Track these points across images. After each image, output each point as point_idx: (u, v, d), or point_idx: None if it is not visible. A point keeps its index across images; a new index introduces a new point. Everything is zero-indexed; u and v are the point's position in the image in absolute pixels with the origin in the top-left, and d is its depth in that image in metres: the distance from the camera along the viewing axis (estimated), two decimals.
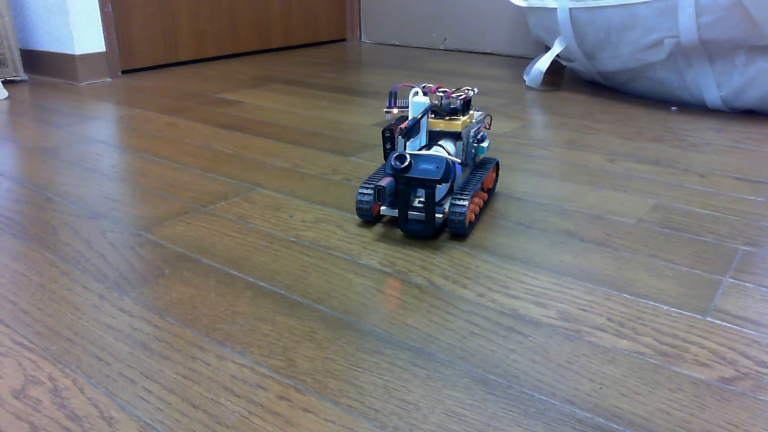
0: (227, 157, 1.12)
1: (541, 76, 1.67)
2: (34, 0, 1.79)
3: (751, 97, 1.37)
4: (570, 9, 1.53)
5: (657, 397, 0.51)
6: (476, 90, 0.87)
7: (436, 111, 0.83)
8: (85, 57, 1.77)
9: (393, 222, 0.84)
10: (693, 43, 1.33)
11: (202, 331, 0.60)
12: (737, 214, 0.87)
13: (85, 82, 1.78)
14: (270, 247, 0.77)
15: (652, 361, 0.56)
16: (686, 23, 1.32)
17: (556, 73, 1.93)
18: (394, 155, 0.74)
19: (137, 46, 1.94)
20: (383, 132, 0.82)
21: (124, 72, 1.92)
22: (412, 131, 0.80)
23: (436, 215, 0.78)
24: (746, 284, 0.69)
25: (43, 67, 1.85)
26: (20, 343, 0.58)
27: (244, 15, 2.24)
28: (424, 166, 0.74)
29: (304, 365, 0.55)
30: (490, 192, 0.94)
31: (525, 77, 1.77)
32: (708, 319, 0.62)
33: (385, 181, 0.75)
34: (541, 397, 0.51)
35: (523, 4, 1.72)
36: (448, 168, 0.74)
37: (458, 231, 0.78)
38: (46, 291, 0.67)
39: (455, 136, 0.83)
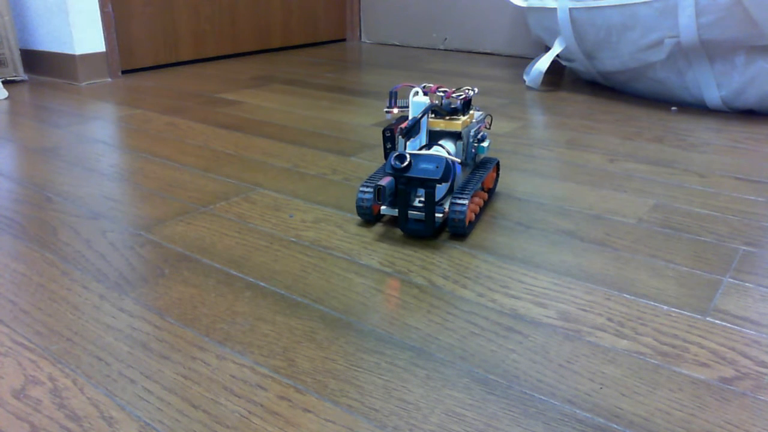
0: (227, 157, 1.12)
1: (541, 76, 1.67)
2: (34, 0, 1.79)
3: (751, 97, 1.37)
4: (570, 9, 1.53)
5: (657, 397, 0.51)
6: (476, 90, 0.87)
7: (437, 111, 0.83)
8: (85, 57, 1.77)
9: (393, 222, 0.84)
10: (693, 43, 1.33)
11: (202, 331, 0.60)
12: (737, 214, 0.87)
13: (85, 82, 1.78)
14: (270, 247, 0.77)
15: (652, 361, 0.56)
16: (686, 23, 1.32)
17: (556, 73, 1.93)
18: (394, 155, 0.74)
19: (137, 46, 1.94)
20: (383, 132, 0.82)
21: (124, 72, 1.92)
22: (412, 131, 0.80)
23: (436, 215, 0.79)
24: (746, 284, 0.69)
25: (43, 67, 1.85)
26: (20, 343, 0.58)
27: (244, 15, 2.24)
28: (423, 165, 0.74)
29: (304, 365, 0.55)
30: (491, 192, 0.94)
31: (525, 77, 1.77)
32: (708, 319, 0.62)
33: (385, 181, 0.75)
34: (541, 397, 0.51)
35: (523, 4, 1.72)
36: (448, 167, 0.74)
37: (458, 231, 0.78)
38: (46, 291, 0.67)
39: (455, 136, 0.84)
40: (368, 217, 0.84)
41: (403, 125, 0.81)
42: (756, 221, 0.85)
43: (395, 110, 0.85)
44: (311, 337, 0.59)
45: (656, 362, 0.55)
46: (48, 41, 1.81)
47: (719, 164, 1.09)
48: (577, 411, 0.50)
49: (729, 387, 0.52)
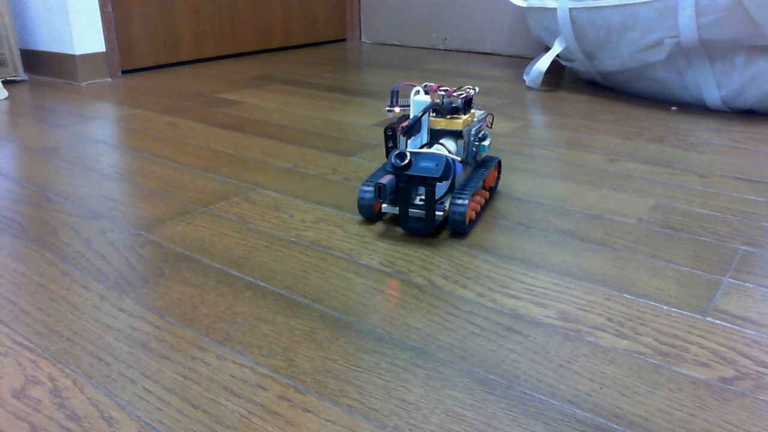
0: (227, 157, 1.12)
1: (541, 76, 1.67)
2: (34, 0, 1.79)
3: (751, 97, 1.37)
4: (570, 9, 1.53)
5: (657, 397, 0.51)
6: (477, 89, 0.88)
7: (438, 110, 0.83)
8: (85, 57, 1.77)
9: (393, 221, 0.84)
10: (693, 43, 1.33)
11: (202, 331, 0.60)
12: (737, 214, 0.87)
13: (85, 82, 1.78)
14: (270, 247, 0.77)
15: (652, 361, 0.56)
16: (686, 23, 1.32)
17: (556, 73, 1.93)
18: (395, 153, 0.74)
19: (137, 46, 1.94)
20: (385, 130, 0.83)
21: (124, 72, 1.92)
22: (412, 129, 0.81)
23: (437, 213, 0.79)
24: (746, 284, 0.69)
25: (43, 67, 1.85)
26: (20, 343, 0.58)
27: (244, 15, 2.24)
28: (424, 164, 0.74)
29: (304, 365, 0.55)
30: (492, 191, 0.94)
31: (525, 77, 1.77)
32: (708, 319, 0.62)
33: (386, 179, 0.75)
34: (541, 397, 0.51)
35: (523, 4, 1.72)
36: (448, 166, 0.74)
37: (458, 229, 0.78)
38: (46, 291, 0.67)
39: (456, 135, 0.84)
40: (370, 214, 0.84)
41: (404, 124, 0.81)
42: (756, 221, 0.85)
43: (397, 109, 0.85)
44: (311, 337, 0.59)
45: (656, 362, 0.55)
46: (48, 41, 1.81)
47: (719, 164, 1.09)
48: (577, 411, 0.50)
49: (729, 387, 0.52)
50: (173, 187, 0.97)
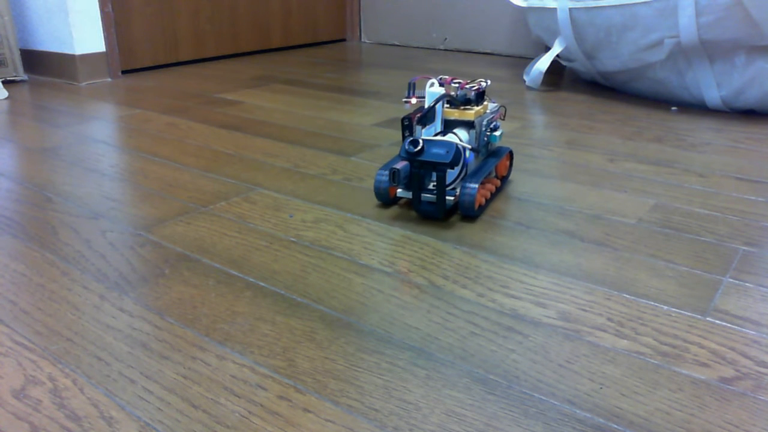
0: (227, 157, 1.12)
1: (541, 76, 1.67)
2: (34, 0, 1.79)
3: (751, 97, 1.36)
4: (570, 9, 1.53)
5: (657, 397, 0.51)
6: (489, 82, 0.91)
7: (451, 101, 0.87)
8: (85, 57, 1.77)
9: (393, 221, 0.85)
10: (693, 43, 1.33)
11: (202, 331, 0.60)
12: (737, 214, 0.87)
13: (85, 82, 1.78)
14: (270, 247, 0.77)
15: (652, 361, 0.56)
16: (686, 23, 1.32)
17: (556, 73, 1.93)
18: (408, 140, 0.78)
19: (137, 46, 1.94)
20: (402, 120, 0.86)
21: (124, 72, 1.92)
22: (425, 118, 0.85)
23: (448, 198, 0.83)
24: (746, 284, 0.69)
25: (43, 67, 1.85)
26: (20, 343, 0.58)
27: (244, 15, 2.24)
28: (435, 150, 0.78)
29: (304, 365, 0.55)
30: (504, 180, 0.97)
31: (525, 77, 1.77)
32: (708, 319, 0.62)
33: (401, 165, 0.79)
34: (541, 397, 0.51)
35: (523, 4, 1.72)
36: (458, 152, 0.78)
37: (468, 212, 0.82)
38: (46, 291, 0.67)
39: (468, 125, 0.88)
40: (386, 199, 0.88)
41: (420, 114, 0.84)
42: (756, 221, 0.85)
43: (413, 100, 0.89)
44: (311, 337, 0.59)
45: (656, 362, 0.55)
46: (48, 41, 1.81)
47: (719, 164, 1.09)
48: (577, 411, 0.50)
49: (729, 387, 0.52)
50: (173, 187, 0.97)
